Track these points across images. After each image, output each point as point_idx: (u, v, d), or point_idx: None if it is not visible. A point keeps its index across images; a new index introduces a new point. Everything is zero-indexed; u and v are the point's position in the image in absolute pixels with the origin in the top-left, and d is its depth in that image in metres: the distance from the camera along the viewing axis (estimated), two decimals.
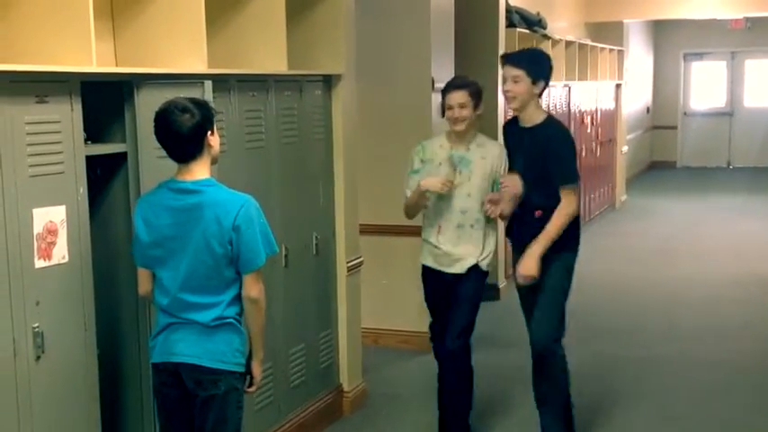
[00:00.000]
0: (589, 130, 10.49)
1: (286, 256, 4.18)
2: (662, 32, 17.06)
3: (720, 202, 12.68)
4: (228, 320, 2.95)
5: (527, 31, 7.96)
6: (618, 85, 11.93)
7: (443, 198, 4.11)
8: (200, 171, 2.90)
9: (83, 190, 2.97)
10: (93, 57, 2.89)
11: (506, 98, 4.08)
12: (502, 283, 7.22)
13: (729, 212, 11.67)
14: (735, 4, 11.84)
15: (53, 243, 2.85)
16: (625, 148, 12.54)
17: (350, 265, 4.76)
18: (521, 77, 3.98)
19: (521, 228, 4.14)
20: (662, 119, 17.44)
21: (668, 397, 5.02)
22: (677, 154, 17.61)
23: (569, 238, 4.05)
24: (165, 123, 2.85)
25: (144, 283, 3.04)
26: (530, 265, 3.97)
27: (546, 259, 3.99)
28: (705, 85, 17.60)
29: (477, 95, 4.13)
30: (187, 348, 2.93)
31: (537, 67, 4.02)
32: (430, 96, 5.58)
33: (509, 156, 4.16)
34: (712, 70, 17.56)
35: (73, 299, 2.96)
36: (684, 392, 5.11)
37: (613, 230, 10.56)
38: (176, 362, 2.95)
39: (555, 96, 8.95)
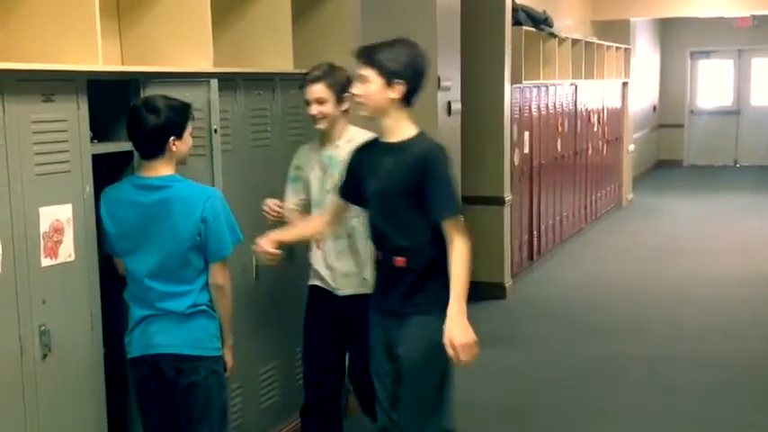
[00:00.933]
0: (596, 129, 10.48)
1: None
2: (669, 30, 17.02)
3: (727, 201, 12.64)
4: (202, 307, 3.06)
5: (533, 29, 7.94)
6: (624, 84, 11.90)
7: (317, 207, 3.61)
8: (163, 169, 3.03)
9: (89, 188, 2.98)
10: (99, 55, 2.90)
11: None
12: (507, 282, 7.21)
13: (736, 211, 11.64)
14: (742, 2, 11.81)
15: (59, 242, 2.86)
16: (632, 147, 12.51)
17: None
18: (369, 77, 3.03)
19: (380, 278, 3.19)
20: (668, 117, 17.41)
21: (673, 396, 5.00)
22: (684, 152, 17.58)
23: (439, 294, 3.02)
24: (132, 119, 2.99)
25: (123, 267, 3.14)
26: (461, 329, 2.93)
27: (405, 326, 3.09)
28: (712, 84, 17.56)
29: (340, 88, 3.51)
30: (165, 339, 3.03)
31: (393, 63, 3.01)
32: (436, 95, 5.56)
33: (352, 182, 3.22)
34: (719, 68, 17.52)
35: (79, 297, 2.97)
36: (690, 391, 5.09)
37: (620, 229, 10.54)
38: (156, 353, 3.04)
39: (561, 95, 8.94)
